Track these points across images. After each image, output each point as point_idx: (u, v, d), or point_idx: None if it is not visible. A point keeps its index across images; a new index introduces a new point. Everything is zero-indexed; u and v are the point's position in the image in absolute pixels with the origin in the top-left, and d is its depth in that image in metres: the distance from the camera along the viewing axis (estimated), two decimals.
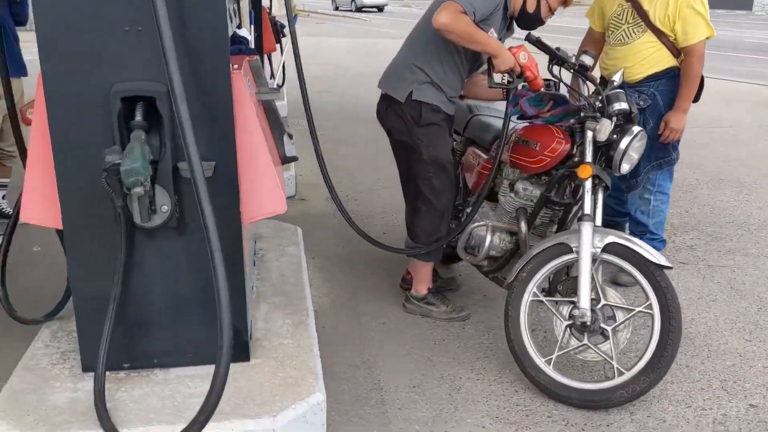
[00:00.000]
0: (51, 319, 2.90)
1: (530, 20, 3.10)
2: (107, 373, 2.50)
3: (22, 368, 2.55)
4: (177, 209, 2.35)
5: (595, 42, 3.96)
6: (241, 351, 2.59)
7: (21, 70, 4.40)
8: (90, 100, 2.25)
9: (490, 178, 3.15)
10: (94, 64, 2.22)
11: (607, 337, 2.77)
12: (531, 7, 3.06)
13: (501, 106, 3.71)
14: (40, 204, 2.41)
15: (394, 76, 3.18)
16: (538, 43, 2.97)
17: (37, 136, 2.34)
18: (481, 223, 3.27)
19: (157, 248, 2.42)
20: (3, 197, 4.78)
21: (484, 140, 3.50)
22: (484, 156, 3.45)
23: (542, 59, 3.04)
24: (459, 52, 3.06)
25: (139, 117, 2.26)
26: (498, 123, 3.54)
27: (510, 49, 2.95)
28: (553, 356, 2.81)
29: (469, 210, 3.40)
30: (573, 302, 2.79)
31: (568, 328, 2.81)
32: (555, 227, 3.25)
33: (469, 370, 3.00)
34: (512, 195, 3.21)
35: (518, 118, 3.28)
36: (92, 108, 2.26)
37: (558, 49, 2.99)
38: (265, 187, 2.51)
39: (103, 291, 2.42)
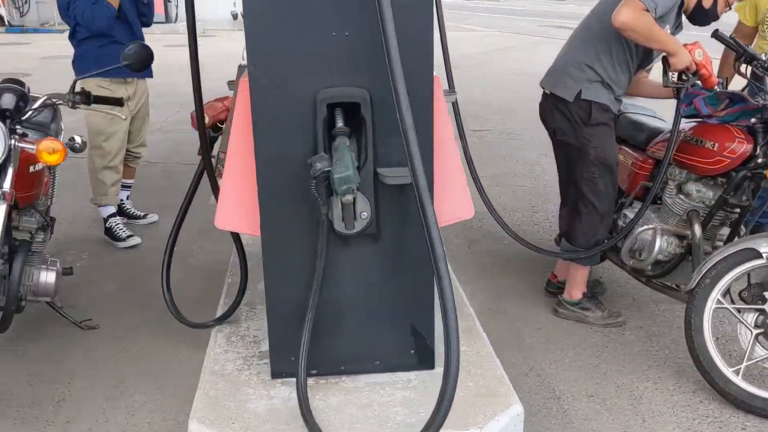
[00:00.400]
0: (221, 323, 2.91)
1: (706, 16, 2.97)
2: (292, 379, 2.49)
3: (209, 373, 2.56)
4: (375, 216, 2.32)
5: (744, 36, 3.81)
6: (427, 358, 2.55)
7: (148, 72, 4.46)
8: (295, 107, 2.23)
9: (659, 180, 3.04)
10: (302, 70, 2.20)
11: None
12: (708, 3, 2.93)
13: (643, 102, 3.60)
14: (235, 211, 2.41)
15: (561, 74, 3.09)
16: (725, 40, 2.84)
17: (238, 143, 2.34)
18: (649, 226, 3.16)
19: (351, 255, 2.39)
20: (128, 197, 4.86)
21: (637, 139, 3.38)
22: (637, 155, 3.34)
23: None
24: (632, 50, 2.96)
25: (340, 123, 2.23)
26: (650, 121, 3.42)
27: (685, 46, 2.84)
28: (742, 366, 2.70)
29: (626, 212, 3.30)
30: (761, 310, 2.67)
31: (758, 337, 2.69)
32: (726, 230, 3.12)
33: (644, 378, 2.90)
34: (682, 197, 3.10)
35: (685, 118, 3.15)
36: (296, 115, 2.23)
37: (746, 45, 2.86)
38: (456, 192, 2.47)
39: (296, 298, 2.41)
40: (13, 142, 2.34)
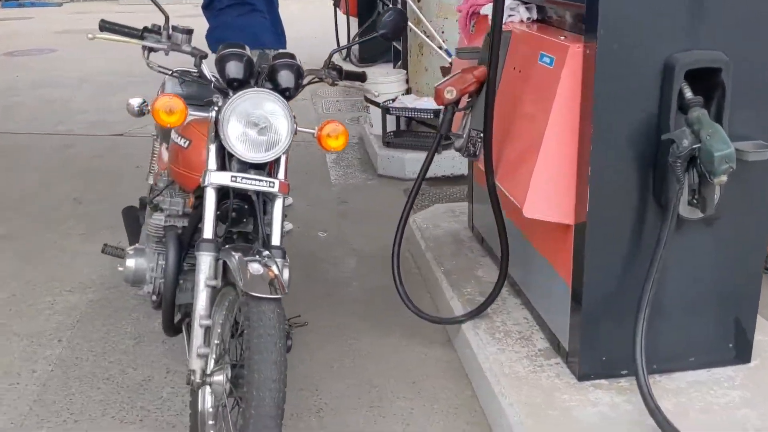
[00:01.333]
0: (472, 318, 2.65)
1: None
2: (602, 381, 2.25)
3: (501, 375, 2.30)
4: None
5: None
6: (745, 352, 2.30)
7: (281, 43, 4.13)
8: (643, 77, 1.94)
9: None
10: (654, 32, 1.91)
11: None
12: None
13: None
14: (548, 198, 2.13)
15: None
16: None
17: (560, 124, 2.05)
18: None
19: (683, 242, 2.12)
20: None
21: None
22: None
23: None
24: None
25: (690, 93, 1.94)
26: None
27: None
28: None
29: None
30: None
31: None
32: None
33: None
34: None
35: None
36: (646, 85, 1.95)
37: None
38: None
39: (615, 291, 2.15)
40: (296, 126, 2.05)
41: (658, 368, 2.26)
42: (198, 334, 1.96)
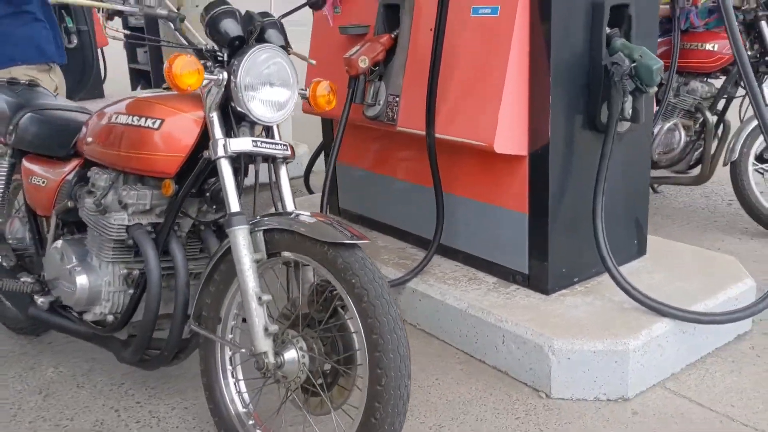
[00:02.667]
0: (416, 275, 2.75)
1: None
2: (565, 290, 2.55)
3: (486, 307, 2.46)
4: None
5: None
6: (644, 245, 2.81)
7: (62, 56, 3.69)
8: (578, 15, 2.33)
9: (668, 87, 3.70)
10: None
11: None
12: None
13: None
14: (511, 135, 2.38)
15: None
16: None
17: (516, 67, 2.32)
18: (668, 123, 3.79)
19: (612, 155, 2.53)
20: None
21: None
22: None
23: None
24: None
25: (608, 28, 2.39)
26: None
27: None
28: None
29: None
30: None
31: None
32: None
33: None
34: (687, 94, 3.79)
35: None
36: (580, 22, 2.33)
37: None
38: None
39: (569, 206, 2.49)
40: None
41: (590, 274, 2.64)
42: (260, 312, 1.77)
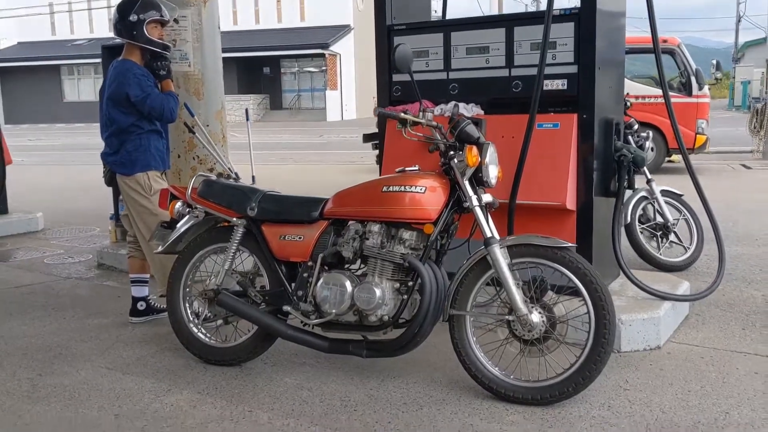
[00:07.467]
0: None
1: None
2: None
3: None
4: None
5: None
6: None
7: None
8: (603, 131, 4.02)
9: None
10: (606, 107, 4.01)
11: None
12: None
13: None
14: (571, 197, 3.94)
15: None
16: None
17: (573, 159, 3.92)
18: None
19: (609, 204, 4.20)
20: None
21: None
22: None
23: None
24: None
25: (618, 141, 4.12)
26: None
27: None
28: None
29: None
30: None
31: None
32: None
33: None
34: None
35: None
36: (604, 129, 4.03)
37: None
38: None
39: (600, 240, 4.09)
40: None
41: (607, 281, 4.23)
42: (520, 292, 3.08)
